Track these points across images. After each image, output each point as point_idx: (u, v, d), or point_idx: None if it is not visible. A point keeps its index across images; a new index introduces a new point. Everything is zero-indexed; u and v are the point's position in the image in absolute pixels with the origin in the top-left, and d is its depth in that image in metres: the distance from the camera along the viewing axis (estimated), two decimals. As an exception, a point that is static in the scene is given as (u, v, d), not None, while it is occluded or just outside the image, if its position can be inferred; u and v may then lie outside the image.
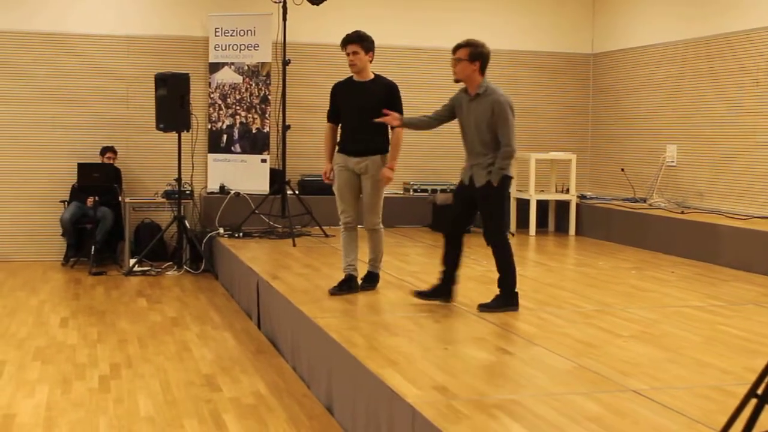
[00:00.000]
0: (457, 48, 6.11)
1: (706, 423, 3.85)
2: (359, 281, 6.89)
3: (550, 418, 3.93)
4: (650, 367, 4.82)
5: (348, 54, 6.71)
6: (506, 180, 6.14)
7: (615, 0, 12.13)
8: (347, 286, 6.83)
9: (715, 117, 10.22)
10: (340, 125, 6.92)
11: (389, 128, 6.71)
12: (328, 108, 6.97)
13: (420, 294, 6.43)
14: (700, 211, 10.05)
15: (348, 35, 6.73)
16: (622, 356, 5.05)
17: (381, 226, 6.90)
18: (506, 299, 6.22)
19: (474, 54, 6.04)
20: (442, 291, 6.37)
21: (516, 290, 6.27)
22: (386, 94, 6.72)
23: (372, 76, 6.82)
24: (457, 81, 6.17)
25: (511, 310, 6.17)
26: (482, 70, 6.10)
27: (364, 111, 6.67)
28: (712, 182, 10.25)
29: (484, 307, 6.16)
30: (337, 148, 6.88)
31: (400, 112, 6.62)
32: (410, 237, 10.26)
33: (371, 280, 6.98)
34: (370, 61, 6.76)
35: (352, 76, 6.87)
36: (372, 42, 6.75)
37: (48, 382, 5.77)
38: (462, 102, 6.20)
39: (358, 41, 6.68)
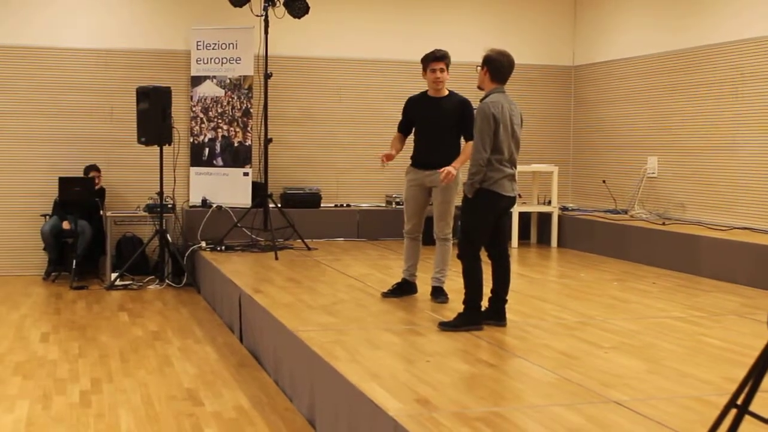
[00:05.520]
0: None
1: (687, 434, 3.87)
2: (431, 297, 7.09)
3: (532, 430, 3.94)
4: (632, 378, 4.83)
5: (435, 71, 6.96)
6: (485, 194, 5.89)
7: (595, 13, 12.21)
8: (400, 289, 7.21)
9: (695, 128, 10.28)
10: (414, 138, 7.19)
11: (462, 140, 6.99)
12: (399, 119, 7.29)
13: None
14: (681, 223, 10.11)
15: (437, 53, 6.97)
16: (603, 367, 5.06)
17: (451, 235, 7.04)
18: (468, 317, 6.00)
19: (484, 60, 6.00)
20: (491, 312, 6.14)
21: (480, 309, 6.04)
22: (460, 110, 6.97)
23: (447, 93, 7.07)
24: (479, 88, 6.10)
25: (474, 329, 5.94)
26: (493, 77, 5.97)
27: (439, 126, 6.97)
28: (693, 193, 10.31)
29: (445, 326, 6.00)
30: (410, 162, 7.18)
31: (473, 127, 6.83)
32: (392, 249, 10.26)
33: (441, 294, 7.04)
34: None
35: (426, 91, 7.16)
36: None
37: (28, 398, 5.72)
38: None
39: (446, 59, 6.98)
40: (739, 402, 3.16)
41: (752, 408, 3.15)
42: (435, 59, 6.95)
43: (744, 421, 3.17)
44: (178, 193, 10.75)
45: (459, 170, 6.85)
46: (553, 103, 12.58)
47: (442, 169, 6.67)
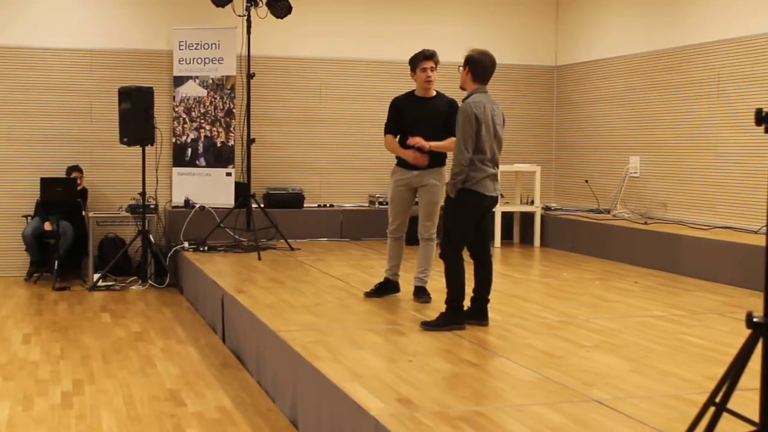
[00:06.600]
0: None
1: (668, 432, 3.89)
2: (413, 296, 7.09)
3: (513, 429, 3.95)
4: (613, 377, 4.86)
5: (426, 69, 6.92)
6: (467, 194, 5.89)
7: (577, 13, 12.26)
8: (382, 289, 7.20)
9: (676, 128, 10.33)
10: (399, 139, 7.09)
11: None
12: (385, 122, 7.17)
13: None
14: (663, 222, 10.15)
15: (427, 51, 6.93)
16: (585, 366, 5.09)
17: (435, 236, 7.01)
18: (450, 317, 6.00)
19: (465, 60, 6.00)
20: (473, 311, 6.15)
21: (463, 308, 6.04)
22: (448, 110, 6.90)
23: (434, 93, 7.03)
24: (461, 88, 6.11)
25: (456, 329, 5.94)
26: (474, 77, 5.97)
27: (428, 127, 6.87)
28: (675, 193, 10.36)
29: (427, 325, 6.00)
30: (396, 161, 7.10)
31: None
32: (375, 249, 10.27)
33: (424, 293, 7.03)
34: None
35: (412, 91, 7.11)
36: None
37: (10, 399, 5.70)
38: None
39: (435, 57, 6.94)
40: (717, 400, 3.18)
41: (730, 405, 3.17)
42: (425, 57, 6.91)
43: (723, 418, 3.20)
44: (161, 194, 10.72)
45: (444, 171, 6.86)
46: (535, 103, 12.61)
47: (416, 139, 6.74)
